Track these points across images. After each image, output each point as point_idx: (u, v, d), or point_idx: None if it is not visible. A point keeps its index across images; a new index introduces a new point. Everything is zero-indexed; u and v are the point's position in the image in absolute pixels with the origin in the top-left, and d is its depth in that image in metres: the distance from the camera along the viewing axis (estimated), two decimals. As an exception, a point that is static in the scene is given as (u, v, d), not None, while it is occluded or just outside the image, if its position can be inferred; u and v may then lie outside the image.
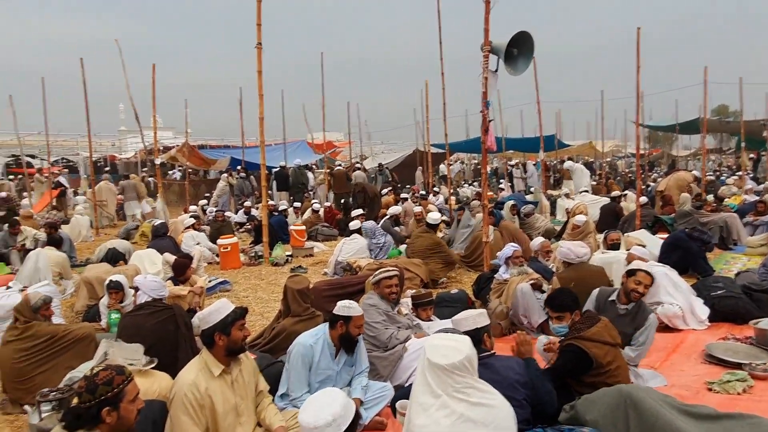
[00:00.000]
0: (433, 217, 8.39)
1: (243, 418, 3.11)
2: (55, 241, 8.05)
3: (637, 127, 11.41)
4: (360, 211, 10.65)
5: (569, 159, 20.89)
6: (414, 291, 5.49)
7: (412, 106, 53.63)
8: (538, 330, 5.32)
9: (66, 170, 24.50)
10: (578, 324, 3.65)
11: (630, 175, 23.84)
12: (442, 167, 26.61)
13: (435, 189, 17.41)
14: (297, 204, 14.33)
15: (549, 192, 16.47)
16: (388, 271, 4.61)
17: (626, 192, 14.82)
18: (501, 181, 20.08)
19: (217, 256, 9.56)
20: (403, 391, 3.77)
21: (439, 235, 10.81)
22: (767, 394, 3.83)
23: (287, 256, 9.68)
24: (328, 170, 18.07)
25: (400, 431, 3.41)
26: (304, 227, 11.02)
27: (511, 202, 10.67)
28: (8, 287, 5.54)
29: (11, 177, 25.35)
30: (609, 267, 6.10)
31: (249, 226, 12.97)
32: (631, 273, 4.17)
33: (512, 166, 22.25)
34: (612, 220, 10.70)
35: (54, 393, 3.63)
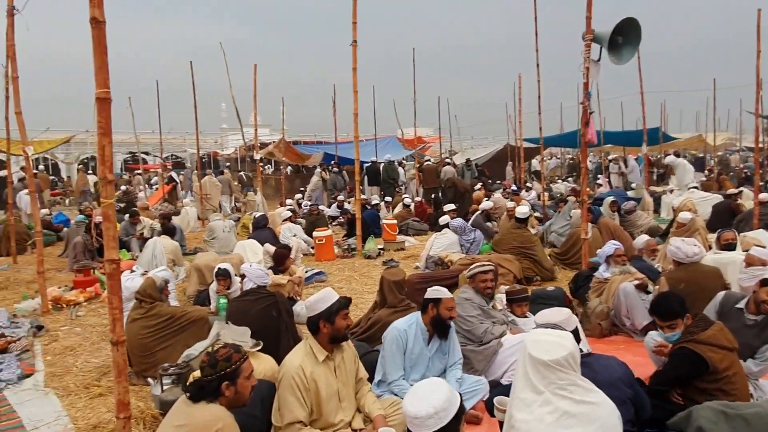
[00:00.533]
0: (521, 210, 8.13)
1: (344, 404, 3.23)
2: (169, 230, 8.74)
3: (757, 117, 10.42)
4: (452, 207, 10.60)
5: (674, 153, 19.49)
6: (508, 287, 5.40)
7: (504, 100, 52.29)
8: (642, 332, 5.05)
9: (177, 167, 26.47)
10: (691, 327, 3.43)
11: (745, 170, 21.79)
12: (534, 162, 25.81)
13: (528, 185, 16.95)
14: (388, 198, 14.52)
15: (652, 188, 15.50)
16: (484, 265, 4.58)
17: (741, 189, 13.61)
18: (598, 176, 19.11)
19: (312, 248, 9.94)
20: (500, 389, 3.73)
21: (532, 231, 10.55)
22: None
23: (379, 249, 9.86)
24: (418, 166, 18.14)
25: (495, 426, 3.39)
26: (395, 221, 11.16)
27: (611, 199, 10.13)
28: (132, 271, 6.10)
29: (127, 173, 27.86)
30: (723, 269, 5.63)
31: (342, 220, 13.34)
32: (765, 282, 3.82)
33: (610, 160, 21.13)
34: (726, 219, 9.87)
35: (173, 368, 3.97)
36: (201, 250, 10.42)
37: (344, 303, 3.23)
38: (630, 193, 13.76)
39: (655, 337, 4.01)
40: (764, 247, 5.94)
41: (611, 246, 5.58)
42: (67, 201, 22.08)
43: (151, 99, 17.49)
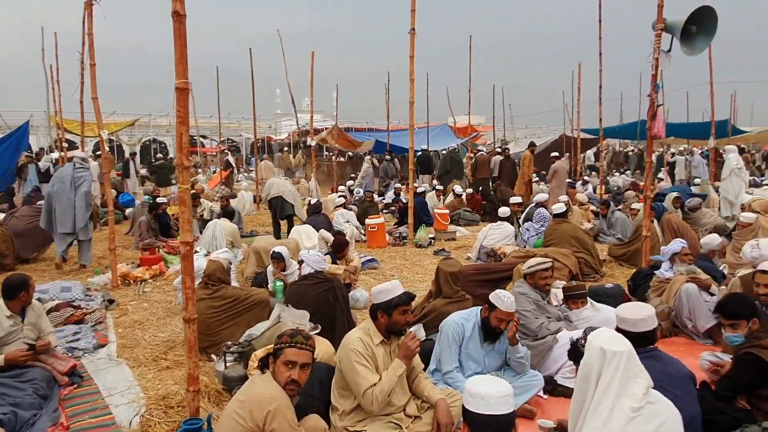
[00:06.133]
0: (556, 206, 8.18)
1: (397, 389, 3.28)
2: (228, 213, 9.05)
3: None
4: (518, 200, 10.45)
5: (739, 149, 18.48)
6: (565, 282, 5.33)
7: (561, 89, 50.85)
8: (705, 335, 4.89)
9: (233, 149, 27.19)
10: (757, 332, 3.31)
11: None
12: (589, 153, 25.05)
13: (585, 177, 16.49)
14: (439, 187, 14.47)
15: (716, 184, 14.78)
16: (544, 263, 4.54)
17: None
18: (660, 170, 18.36)
19: (364, 234, 10.06)
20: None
21: (587, 225, 10.31)
22: None
23: (430, 238, 9.88)
24: (471, 155, 17.96)
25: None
26: (447, 211, 11.14)
27: (675, 194, 9.76)
28: (196, 252, 6.36)
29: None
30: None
31: (394, 208, 13.41)
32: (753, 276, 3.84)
33: (674, 154, 20.26)
34: (799, 220, 9.32)
35: (236, 346, 4.16)
36: (257, 233, 10.74)
37: (405, 299, 3.23)
38: (694, 189, 13.18)
39: (707, 357, 3.95)
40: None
41: (678, 244, 5.40)
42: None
43: (209, 83, 18.04)
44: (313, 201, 10.25)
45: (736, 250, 7.29)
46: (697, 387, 3.14)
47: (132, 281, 7.19)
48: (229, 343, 4.21)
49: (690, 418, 2.81)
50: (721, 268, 6.52)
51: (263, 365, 2.76)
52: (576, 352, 2.31)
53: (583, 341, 2.36)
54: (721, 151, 16.85)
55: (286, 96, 15.57)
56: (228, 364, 4.06)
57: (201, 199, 11.17)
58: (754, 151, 26.51)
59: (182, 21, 2.91)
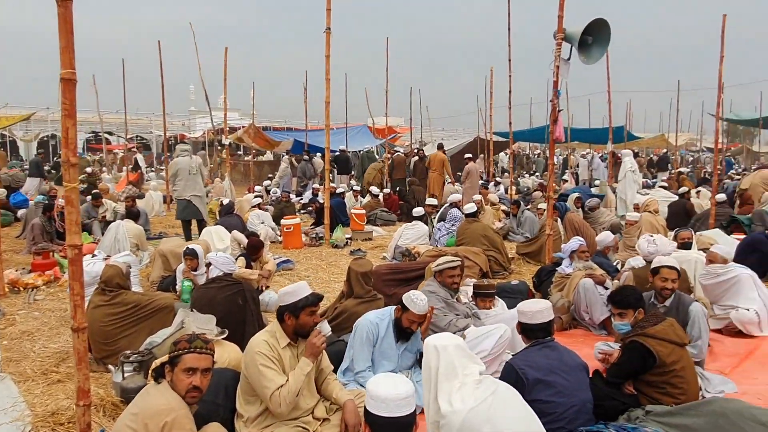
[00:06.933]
0: (468, 206, 8.52)
1: (305, 391, 3.22)
2: (133, 214, 8.55)
3: (718, 120, 10.81)
4: (434, 201, 10.65)
5: (634, 153, 20.06)
6: (475, 280, 5.49)
7: (475, 93, 52.68)
8: (600, 327, 5.23)
9: (141, 147, 25.80)
10: (642, 321, 3.58)
11: (704, 171, 22.58)
12: (502, 156, 26.13)
13: (497, 179, 17.16)
14: (357, 187, 14.50)
15: (614, 185, 15.90)
16: (452, 261, 4.64)
17: (699, 189, 14.08)
18: (565, 172, 19.49)
19: (280, 235, 9.87)
20: None
21: (499, 225, 10.72)
22: None
23: (347, 238, 9.86)
24: (389, 156, 18.15)
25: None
26: (364, 211, 11.18)
27: (576, 195, 10.38)
28: (94, 255, 5.96)
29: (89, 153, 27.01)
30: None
31: (311, 208, 13.28)
32: (655, 272, 4.28)
33: (581, 156, 21.59)
34: (682, 218, 10.22)
35: (135, 355, 3.92)
36: (166, 234, 10.24)
37: (312, 300, 3.17)
38: (594, 190, 14.09)
39: (600, 347, 4.30)
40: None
41: (576, 242, 5.72)
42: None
43: (116, 78, 17.04)
44: (225, 201, 9.91)
45: (626, 247, 7.89)
46: (590, 375, 3.34)
47: (22, 288, 6.61)
48: (128, 352, 3.97)
49: (582, 403, 3.01)
50: (614, 263, 7.01)
51: (157, 375, 2.61)
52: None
53: None
54: (618, 154, 18.16)
55: (200, 92, 14.91)
56: (126, 375, 3.82)
57: (104, 199, 10.48)
58: (648, 156, 28.77)
59: (68, 6, 2.70)
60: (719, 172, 13.67)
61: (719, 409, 2.91)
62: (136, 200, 11.43)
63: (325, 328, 3.21)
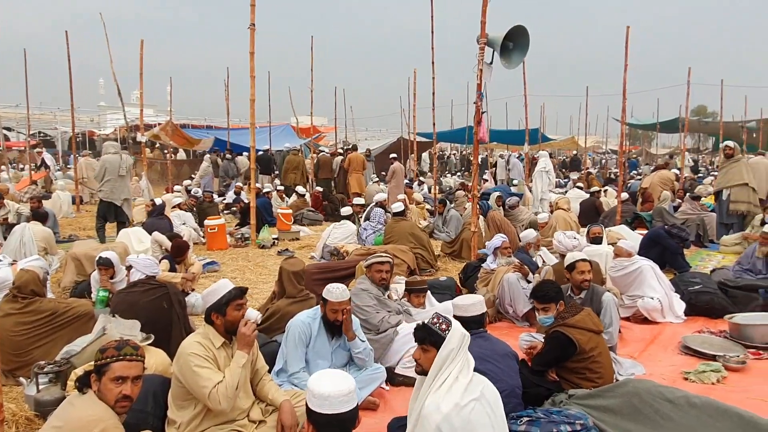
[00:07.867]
0: (395, 206, 8.69)
1: (240, 393, 3.16)
2: (40, 215, 7.96)
3: (623, 124, 11.66)
4: (361, 201, 10.70)
5: (549, 154, 21.25)
6: (408, 278, 5.60)
7: (399, 94, 53.41)
8: (523, 319, 5.49)
9: (42, 144, 24.01)
10: (563, 313, 3.81)
11: (610, 171, 24.29)
12: (425, 156, 26.70)
13: (420, 178, 17.51)
14: (281, 187, 14.30)
15: (530, 184, 16.72)
16: (381, 256, 4.72)
17: (606, 188, 15.11)
18: (485, 171, 20.22)
19: (203, 236, 9.56)
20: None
21: (424, 223, 10.98)
22: (740, 385, 4.05)
23: (273, 239, 9.72)
24: (314, 155, 18.03)
25: (390, 413, 3.53)
26: (290, 211, 11.05)
27: (497, 194, 10.82)
28: (-2, 260, 5.50)
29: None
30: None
31: (235, 208, 12.95)
32: (571, 267, 4.47)
33: (499, 156, 22.49)
34: (593, 215, 10.94)
35: (51, 366, 3.67)
36: (77, 237, 9.63)
37: (236, 293, 3.12)
38: (513, 189, 14.74)
39: (525, 338, 4.58)
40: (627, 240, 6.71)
41: (499, 239, 5.98)
42: None
43: (16, 69, 15.72)
44: (157, 201, 9.47)
45: (546, 245, 8.35)
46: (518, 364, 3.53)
47: None
48: (42, 362, 3.70)
49: (512, 388, 3.19)
50: (534, 259, 7.38)
51: (82, 384, 2.47)
52: (430, 332, 2.54)
53: (436, 321, 2.62)
54: (535, 155, 19.11)
55: (110, 87, 14.07)
56: (41, 387, 3.56)
57: (5, 200, 9.65)
58: (561, 158, 30.50)
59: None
60: (623, 172, 14.72)
61: (632, 389, 3.19)
62: (42, 201, 10.64)
63: (252, 314, 3.16)
